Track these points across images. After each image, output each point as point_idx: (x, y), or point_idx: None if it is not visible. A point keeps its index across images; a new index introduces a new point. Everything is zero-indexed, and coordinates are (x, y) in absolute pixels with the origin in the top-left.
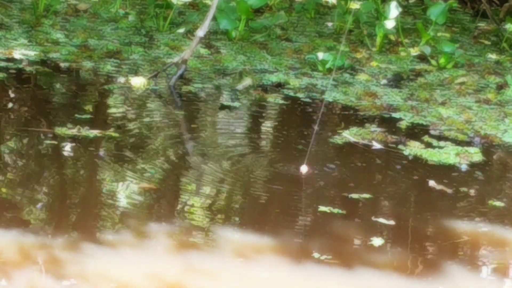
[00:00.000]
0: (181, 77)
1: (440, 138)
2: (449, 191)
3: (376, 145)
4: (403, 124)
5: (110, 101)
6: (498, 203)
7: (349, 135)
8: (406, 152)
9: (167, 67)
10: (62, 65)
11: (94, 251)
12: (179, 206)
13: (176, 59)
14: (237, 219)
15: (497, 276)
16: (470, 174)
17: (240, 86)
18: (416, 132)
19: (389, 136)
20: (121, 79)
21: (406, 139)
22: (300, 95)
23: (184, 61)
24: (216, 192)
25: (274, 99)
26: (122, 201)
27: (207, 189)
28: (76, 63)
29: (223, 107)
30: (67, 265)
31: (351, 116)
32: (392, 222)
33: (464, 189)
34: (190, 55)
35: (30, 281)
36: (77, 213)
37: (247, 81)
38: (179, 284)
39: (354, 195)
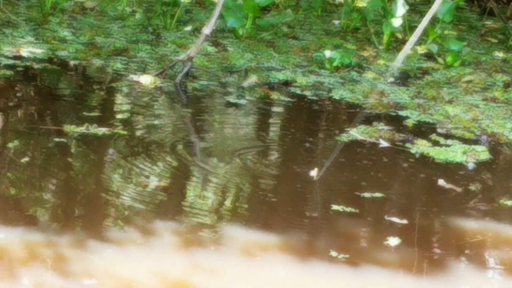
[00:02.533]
0: (187, 74)
1: (447, 136)
2: (459, 189)
3: (384, 143)
4: (410, 122)
5: (118, 99)
6: (509, 202)
7: (356, 133)
8: (413, 151)
9: (173, 64)
10: (70, 62)
11: (100, 249)
12: (185, 204)
13: (182, 56)
14: (245, 217)
15: None
16: (478, 173)
17: (245, 84)
18: (423, 130)
19: (396, 134)
20: (129, 77)
21: (413, 137)
22: (307, 93)
23: (190, 59)
24: (223, 189)
25: (278, 96)
26: (129, 198)
27: (214, 187)
28: (85, 61)
29: (229, 105)
30: (73, 263)
31: (358, 114)
32: (405, 222)
33: (473, 188)
34: (196, 52)
35: (36, 278)
36: (84, 210)
37: (253, 79)
38: (185, 282)
39: (366, 194)
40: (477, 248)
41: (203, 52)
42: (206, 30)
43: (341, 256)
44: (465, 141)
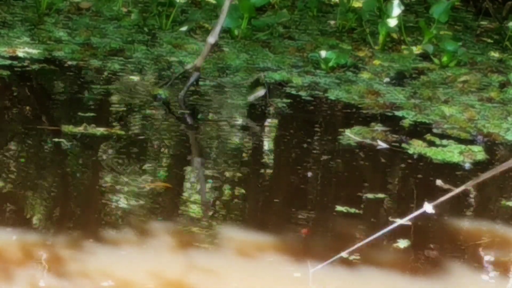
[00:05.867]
0: (197, 83)
1: (443, 136)
2: (457, 190)
3: (381, 144)
4: (406, 122)
5: (115, 99)
6: (511, 203)
7: (352, 133)
8: (410, 151)
9: (179, 75)
10: (67, 63)
11: (97, 249)
12: (181, 204)
13: (188, 66)
14: (246, 218)
15: None
16: (476, 173)
17: (251, 97)
18: (419, 130)
19: (392, 134)
20: (126, 77)
21: (408, 138)
22: (303, 93)
23: (197, 69)
24: (221, 190)
25: (286, 107)
26: (125, 199)
27: (211, 187)
28: (81, 61)
29: (227, 105)
30: (69, 263)
31: (354, 114)
32: (409, 223)
33: (471, 188)
34: (202, 62)
35: (32, 279)
36: (81, 211)
37: (260, 92)
38: (181, 282)
39: (369, 195)
40: (480, 250)
41: (198, 52)
42: (211, 39)
43: (352, 257)
44: (461, 141)
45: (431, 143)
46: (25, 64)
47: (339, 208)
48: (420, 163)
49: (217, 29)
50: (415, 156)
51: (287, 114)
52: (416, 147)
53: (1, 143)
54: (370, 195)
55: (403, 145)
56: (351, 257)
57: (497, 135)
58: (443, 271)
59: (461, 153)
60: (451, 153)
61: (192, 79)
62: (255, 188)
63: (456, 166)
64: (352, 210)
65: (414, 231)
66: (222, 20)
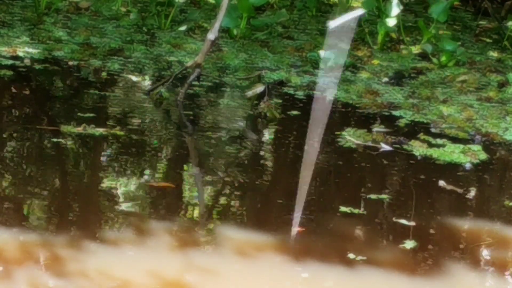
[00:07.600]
0: (198, 80)
1: (441, 136)
2: (460, 191)
3: (384, 146)
4: (404, 122)
5: (116, 99)
6: (511, 203)
7: (350, 133)
8: (416, 153)
9: (180, 71)
10: (67, 63)
11: (96, 249)
12: (181, 204)
13: (189, 63)
14: (248, 218)
15: None
16: (476, 173)
17: (250, 93)
18: (417, 130)
19: (390, 136)
20: (127, 77)
21: (406, 139)
22: (301, 93)
23: (198, 65)
24: (221, 190)
25: (282, 113)
26: (124, 199)
27: (209, 187)
28: (81, 61)
29: (226, 105)
30: (69, 263)
31: (352, 114)
32: (413, 223)
33: (473, 188)
34: (203, 59)
35: (31, 278)
36: (80, 211)
37: (259, 88)
38: (180, 282)
39: (372, 196)
40: (485, 250)
41: (197, 52)
42: (211, 35)
43: (358, 258)
44: (458, 141)
45: (429, 143)
46: (25, 64)
47: (342, 208)
48: (423, 164)
49: (217, 25)
50: (419, 158)
51: (286, 114)
52: (418, 148)
53: (0, 142)
54: (373, 196)
55: (405, 145)
56: (358, 258)
57: (496, 134)
58: (445, 271)
59: (463, 153)
60: (456, 154)
61: (193, 76)
62: (256, 189)
63: (457, 166)
64: (356, 211)
65: (420, 231)
66: (221, 17)
